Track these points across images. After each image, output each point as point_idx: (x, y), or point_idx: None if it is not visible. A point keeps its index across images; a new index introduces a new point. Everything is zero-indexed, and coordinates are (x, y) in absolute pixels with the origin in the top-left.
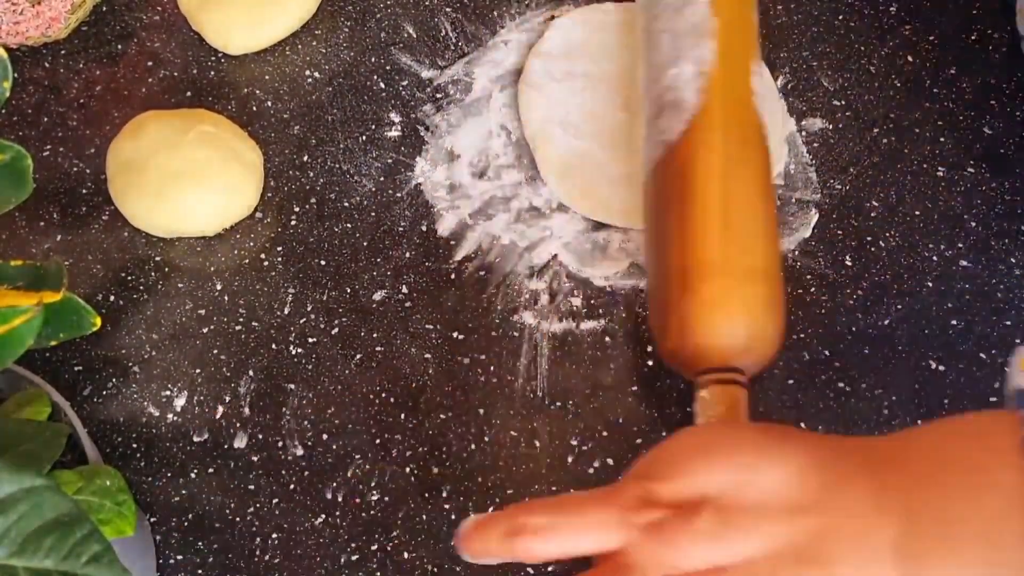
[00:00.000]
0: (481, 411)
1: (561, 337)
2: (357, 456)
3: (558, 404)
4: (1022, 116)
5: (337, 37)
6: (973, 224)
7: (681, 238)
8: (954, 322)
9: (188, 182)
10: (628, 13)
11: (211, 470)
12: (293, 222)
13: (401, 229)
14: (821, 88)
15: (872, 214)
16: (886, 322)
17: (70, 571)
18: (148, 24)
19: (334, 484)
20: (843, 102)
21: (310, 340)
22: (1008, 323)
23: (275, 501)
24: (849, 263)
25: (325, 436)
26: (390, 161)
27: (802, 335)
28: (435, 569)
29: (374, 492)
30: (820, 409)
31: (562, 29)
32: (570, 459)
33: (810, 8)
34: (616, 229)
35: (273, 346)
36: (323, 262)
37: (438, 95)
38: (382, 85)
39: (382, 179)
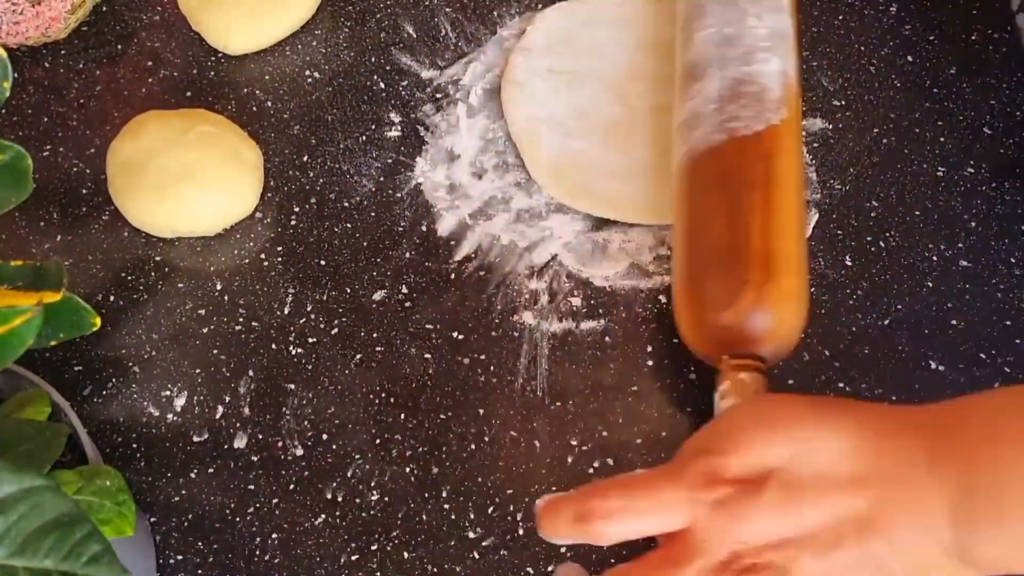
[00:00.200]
0: (481, 411)
1: (561, 337)
2: (357, 456)
3: (558, 404)
4: (1022, 116)
5: (337, 37)
6: (973, 224)
7: (765, 223)
8: (954, 322)
9: (188, 182)
10: (612, 7)
11: (211, 470)
12: (293, 222)
13: (401, 229)
14: (821, 88)
15: (872, 214)
16: (886, 322)
17: (70, 571)
18: (148, 24)
19: (334, 484)
20: (843, 102)
21: (310, 340)
22: (1008, 323)
23: (275, 501)
24: (849, 263)
25: (325, 436)
26: (390, 161)
27: (802, 335)
28: (435, 569)
29: (374, 492)
30: None
31: (544, 24)
32: (570, 459)
33: (810, 8)
34: (616, 229)
35: (273, 346)
36: (323, 262)
37: (438, 95)
38: (382, 85)
39: (382, 179)
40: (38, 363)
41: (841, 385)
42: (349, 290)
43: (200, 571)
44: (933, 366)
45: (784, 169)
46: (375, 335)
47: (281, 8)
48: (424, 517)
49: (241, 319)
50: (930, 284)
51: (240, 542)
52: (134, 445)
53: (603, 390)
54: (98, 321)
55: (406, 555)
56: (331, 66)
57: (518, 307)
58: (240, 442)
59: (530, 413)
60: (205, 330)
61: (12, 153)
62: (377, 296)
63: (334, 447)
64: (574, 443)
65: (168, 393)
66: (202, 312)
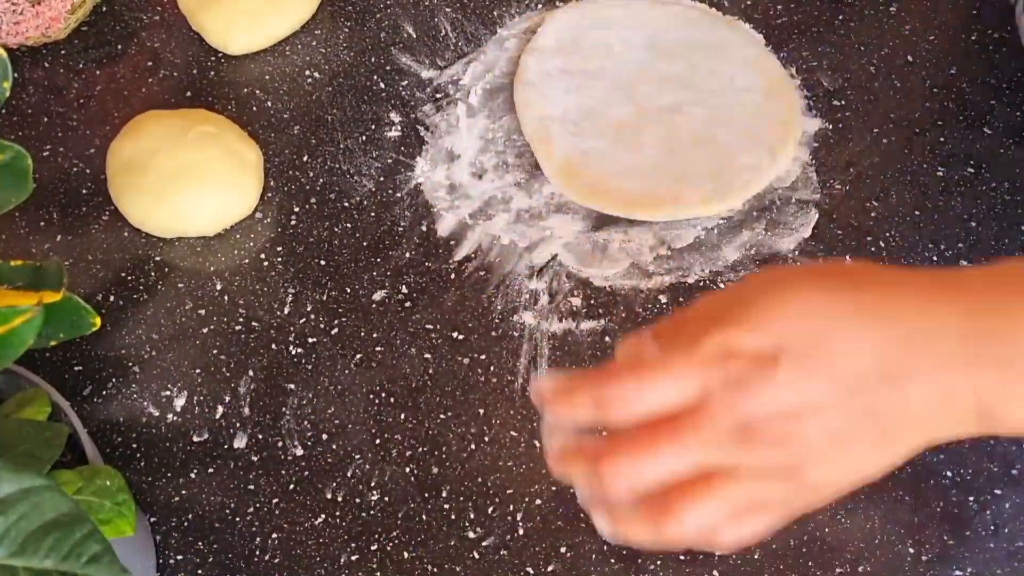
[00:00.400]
0: (481, 411)
1: (561, 337)
2: (357, 456)
3: None
4: (1022, 116)
5: (337, 37)
6: (973, 224)
7: None
8: None
9: (188, 182)
10: (620, 9)
11: (211, 470)
12: (293, 222)
13: (401, 229)
14: (821, 88)
15: (872, 214)
16: None
17: (70, 571)
18: (148, 24)
19: (334, 484)
20: (843, 102)
21: (310, 340)
22: None
23: (275, 501)
24: (849, 263)
25: (325, 436)
26: (390, 161)
27: None
28: (435, 569)
29: (374, 492)
30: None
31: (555, 25)
32: None
33: (810, 8)
34: (616, 229)
35: (273, 346)
36: (323, 262)
37: (438, 95)
38: (382, 85)
39: (382, 179)
40: (38, 363)
41: None
42: (349, 290)
43: (200, 571)
44: None
45: None
46: (375, 335)
47: (281, 8)
48: (424, 517)
49: (241, 319)
50: None
51: (240, 542)
52: (134, 445)
53: None
54: (98, 321)
55: (406, 555)
56: (331, 66)
57: (518, 307)
58: (240, 442)
59: (530, 413)
60: (205, 330)
61: (12, 153)
62: (377, 296)
63: (334, 447)
64: None
65: (168, 393)
66: (202, 312)
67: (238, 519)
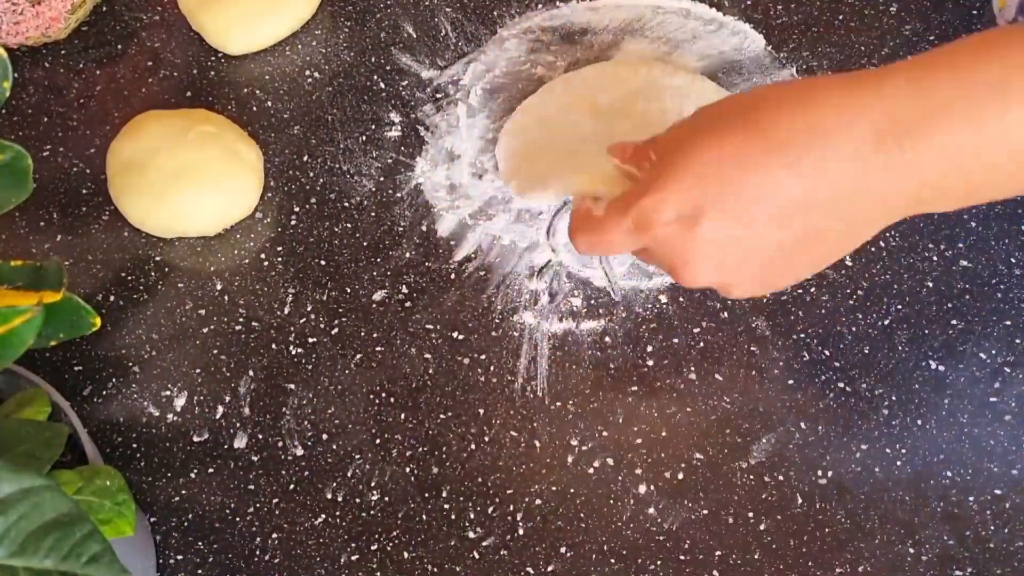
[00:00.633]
0: (481, 411)
1: (561, 337)
2: (357, 456)
3: (558, 404)
4: None
5: (337, 37)
6: (973, 224)
7: None
8: (954, 322)
9: (188, 182)
10: (561, 85)
11: (211, 470)
12: (293, 222)
13: (401, 229)
14: None
15: None
16: (886, 322)
17: (70, 571)
18: (148, 24)
19: (334, 484)
20: None
21: (310, 340)
22: (1008, 323)
23: (275, 501)
24: (849, 263)
25: (325, 436)
26: (390, 161)
27: (802, 335)
28: (435, 569)
29: (374, 492)
30: (820, 409)
31: (544, 94)
32: (570, 459)
33: (810, 8)
34: None
35: (273, 346)
36: (323, 262)
37: (438, 95)
38: (382, 85)
39: (382, 179)
40: (38, 363)
41: (841, 385)
42: (349, 290)
43: (200, 571)
44: (933, 366)
45: None
46: (375, 335)
47: (281, 8)
48: (424, 517)
49: (241, 319)
50: (930, 284)
51: (240, 542)
52: (134, 445)
53: (603, 390)
54: (98, 321)
55: (406, 555)
56: (331, 66)
57: (518, 307)
58: (240, 442)
59: (530, 413)
60: (205, 330)
61: (12, 153)
62: (377, 296)
63: (334, 447)
64: (574, 443)
65: (168, 393)
66: (202, 312)
67: (238, 519)
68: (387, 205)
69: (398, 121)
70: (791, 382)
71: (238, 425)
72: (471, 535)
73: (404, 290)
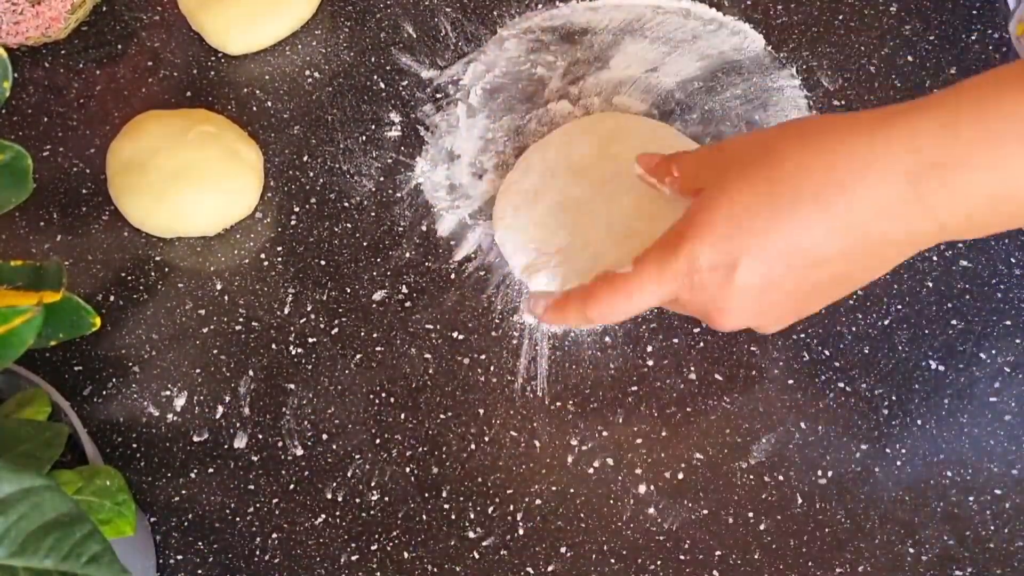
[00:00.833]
0: (481, 411)
1: (561, 337)
2: (357, 456)
3: (558, 404)
4: None
5: (337, 37)
6: None
7: None
8: (954, 322)
9: (188, 182)
10: (538, 153)
11: (211, 470)
12: (293, 222)
13: (401, 229)
14: (821, 88)
15: None
16: (886, 322)
17: (70, 571)
18: (148, 24)
19: (334, 484)
20: (843, 102)
21: (310, 340)
22: (1008, 323)
23: (275, 501)
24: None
25: (325, 436)
26: (390, 161)
27: (802, 335)
28: (435, 569)
29: (374, 492)
30: (820, 409)
31: (531, 160)
32: (570, 459)
33: (810, 8)
34: None
35: (273, 346)
36: (323, 262)
37: (438, 95)
38: (382, 85)
39: (382, 179)
40: (38, 363)
41: (841, 385)
42: (349, 290)
43: (200, 571)
44: (933, 366)
45: None
46: (375, 335)
47: (281, 8)
48: (424, 517)
49: (241, 319)
50: (930, 284)
51: (240, 542)
52: (134, 445)
53: (603, 390)
54: (98, 321)
55: (406, 555)
56: (331, 66)
57: (518, 307)
58: (240, 442)
59: (530, 413)
60: (205, 330)
61: (12, 153)
62: (377, 296)
63: (334, 447)
64: (574, 443)
65: (168, 393)
66: (202, 312)
67: (238, 519)
68: (387, 205)
69: (398, 121)
70: (791, 382)
71: (238, 425)
72: (471, 535)
73: (404, 290)
